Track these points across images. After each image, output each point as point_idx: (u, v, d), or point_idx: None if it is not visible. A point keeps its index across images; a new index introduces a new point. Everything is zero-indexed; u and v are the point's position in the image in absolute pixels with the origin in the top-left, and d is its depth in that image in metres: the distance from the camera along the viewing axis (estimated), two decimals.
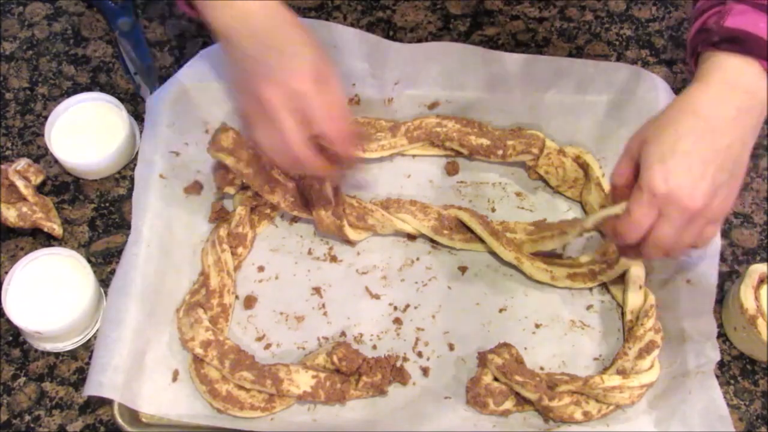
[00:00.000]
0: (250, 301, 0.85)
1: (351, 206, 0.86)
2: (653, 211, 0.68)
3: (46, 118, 0.92)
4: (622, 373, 0.78)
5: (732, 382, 0.82)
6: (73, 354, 0.83)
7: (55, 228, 0.87)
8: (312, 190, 0.85)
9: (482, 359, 0.79)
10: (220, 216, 0.88)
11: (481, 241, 0.87)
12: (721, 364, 0.82)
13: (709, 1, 0.72)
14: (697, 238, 0.70)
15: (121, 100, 0.94)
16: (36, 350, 0.82)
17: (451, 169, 0.93)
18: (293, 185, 0.86)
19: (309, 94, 0.72)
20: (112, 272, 0.86)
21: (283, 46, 0.73)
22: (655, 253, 0.70)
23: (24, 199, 0.86)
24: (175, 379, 0.80)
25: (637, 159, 0.70)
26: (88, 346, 0.83)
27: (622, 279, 0.85)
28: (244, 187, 0.88)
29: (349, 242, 0.88)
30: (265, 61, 0.72)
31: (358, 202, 0.87)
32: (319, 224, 0.86)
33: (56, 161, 0.92)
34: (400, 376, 0.80)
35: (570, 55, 1.01)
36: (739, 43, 0.68)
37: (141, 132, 0.91)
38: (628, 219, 0.69)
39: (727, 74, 0.68)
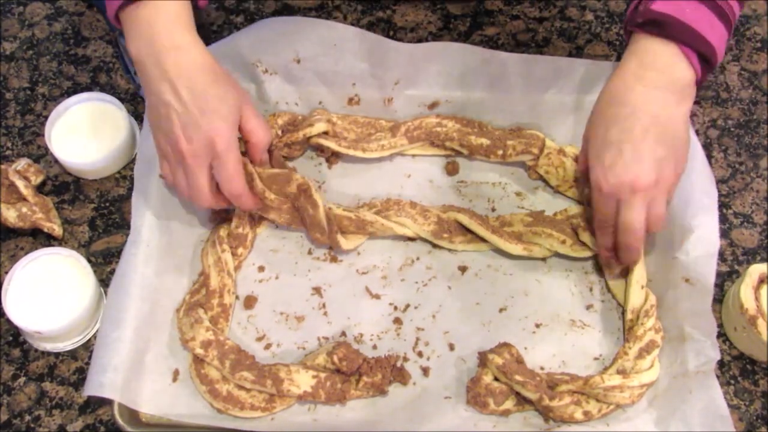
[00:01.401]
0: (250, 301, 0.85)
1: (349, 219, 0.86)
2: (611, 201, 0.75)
3: (46, 118, 0.92)
4: (623, 372, 0.78)
5: (732, 382, 0.82)
6: (73, 354, 0.83)
7: (55, 228, 0.87)
8: (305, 215, 0.85)
9: (482, 359, 0.79)
10: (220, 216, 0.88)
11: (483, 240, 0.87)
12: (721, 364, 0.82)
13: None
14: (665, 207, 0.76)
15: (121, 100, 0.94)
16: (36, 350, 0.82)
17: (451, 169, 0.93)
18: (288, 206, 0.86)
19: (223, 156, 0.75)
20: (112, 272, 0.85)
21: (204, 100, 0.73)
22: (629, 238, 0.76)
23: (24, 199, 0.86)
24: (175, 379, 0.80)
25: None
26: (88, 346, 0.83)
27: (623, 279, 0.85)
28: None
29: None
30: (184, 112, 0.73)
31: (356, 215, 0.86)
32: (315, 241, 0.86)
33: (56, 161, 0.92)
34: (400, 376, 0.80)
35: (570, 55, 1.01)
36: (660, 26, 0.73)
37: (141, 132, 0.91)
38: (597, 217, 0.78)
39: (645, 57, 0.75)
